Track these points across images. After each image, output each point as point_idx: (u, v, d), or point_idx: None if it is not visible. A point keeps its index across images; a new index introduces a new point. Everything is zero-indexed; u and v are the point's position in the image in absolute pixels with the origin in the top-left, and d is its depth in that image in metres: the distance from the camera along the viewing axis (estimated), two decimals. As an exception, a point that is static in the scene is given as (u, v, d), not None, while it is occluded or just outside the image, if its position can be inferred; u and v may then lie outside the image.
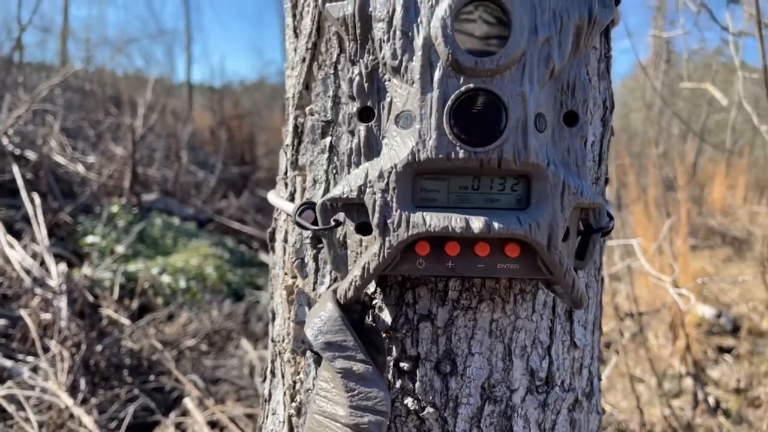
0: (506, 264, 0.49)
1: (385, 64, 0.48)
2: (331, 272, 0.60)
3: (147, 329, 3.01)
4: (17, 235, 3.42)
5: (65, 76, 5.49)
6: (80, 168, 4.96)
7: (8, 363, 2.28)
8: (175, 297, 3.57)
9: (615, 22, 0.59)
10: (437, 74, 0.45)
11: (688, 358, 2.84)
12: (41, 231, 3.17)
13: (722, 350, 3.35)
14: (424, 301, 0.57)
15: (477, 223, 0.46)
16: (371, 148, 0.49)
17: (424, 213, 0.47)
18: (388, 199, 0.47)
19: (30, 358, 2.39)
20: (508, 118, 0.45)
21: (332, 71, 0.58)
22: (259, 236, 5.31)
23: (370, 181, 0.48)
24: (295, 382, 0.64)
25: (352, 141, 0.50)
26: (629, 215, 4.25)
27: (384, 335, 0.57)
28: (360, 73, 0.49)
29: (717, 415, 2.58)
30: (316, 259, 0.61)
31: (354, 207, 0.50)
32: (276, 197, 0.65)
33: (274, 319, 0.70)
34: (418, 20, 0.46)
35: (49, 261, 2.93)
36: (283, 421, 0.66)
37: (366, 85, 0.49)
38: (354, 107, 0.50)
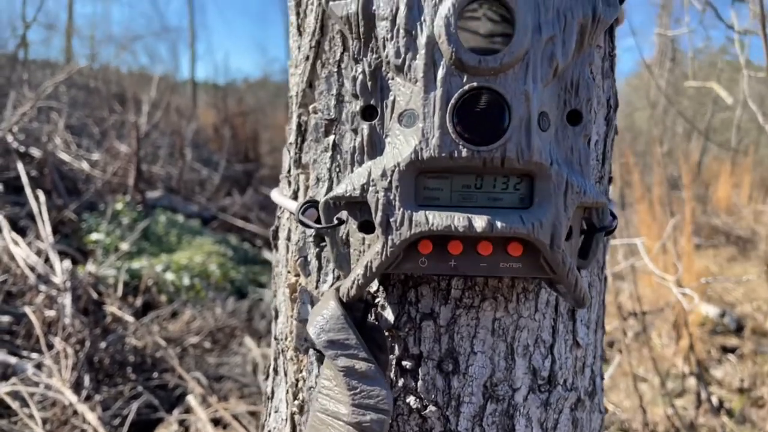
0: (509, 263, 0.49)
1: (388, 63, 0.48)
2: (333, 270, 0.61)
3: (151, 326, 3.02)
4: (22, 232, 3.44)
5: (70, 73, 5.51)
6: (85, 165, 4.97)
7: (12, 360, 2.29)
8: (179, 294, 3.58)
9: (619, 21, 0.59)
10: (440, 73, 0.45)
11: (692, 357, 2.83)
12: (46, 228, 3.18)
13: (726, 350, 3.34)
14: (427, 300, 0.57)
15: (480, 222, 0.46)
16: (374, 146, 0.49)
17: (427, 212, 0.47)
18: (391, 197, 0.47)
19: (34, 355, 2.40)
20: (511, 116, 0.45)
21: (336, 69, 0.58)
22: (262, 234, 5.32)
23: (373, 180, 0.48)
24: (297, 380, 0.64)
25: (355, 139, 0.50)
26: (633, 214, 4.24)
27: (386, 333, 0.57)
28: (363, 72, 0.49)
29: (720, 414, 2.57)
30: (319, 257, 0.61)
31: (357, 205, 0.50)
32: (279, 195, 0.65)
33: (277, 317, 0.70)
34: (422, 19, 0.46)
35: (54, 258, 2.94)
36: (286, 419, 0.66)
37: (369, 83, 0.49)
38: (357, 105, 0.50)
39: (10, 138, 4.42)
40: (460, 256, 0.49)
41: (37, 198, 3.41)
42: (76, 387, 2.20)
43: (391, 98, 0.49)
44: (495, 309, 0.57)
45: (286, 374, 0.67)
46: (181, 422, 2.30)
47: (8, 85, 5.59)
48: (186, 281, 3.69)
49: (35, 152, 4.55)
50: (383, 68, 0.49)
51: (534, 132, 0.45)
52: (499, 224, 0.46)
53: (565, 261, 0.48)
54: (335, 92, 0.58)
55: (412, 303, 0.57)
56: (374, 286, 0.58)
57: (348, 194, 0.49)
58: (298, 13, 0.63)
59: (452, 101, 0.45)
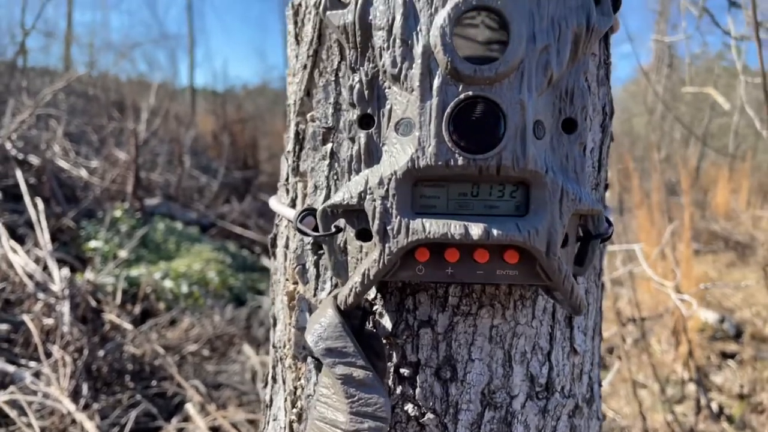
0: (505, 270, 0.49)
1: (385, 72, 0.48)
2: (331, 278, 0.61)
3: (149, 334, 3.01)
4: (20, 240, 3.43)
5: (69, 80, 5.52)
6: (83, 173, 4.98)
7: (11, 368, 2.29)
8: (178, 302, 3.57)
9: (614, 29, 0.60)
10: (436, 82, 0.45)
11: (691, 363, 2.83)
12: (44, 236, 3.18)
13: (725, 356, 3.34)
14: (425, 307, 0.57)
15: (476, 230, 0.46)
16: (371, 155, 0.50)
17: (424, 219, 0.47)
18: (388, 205, 0.47)
19: (32, 363, 2.39)
20: (506, 125, 0.45)
21: (333, 78, 0.58)
22: (261, 241, 5.32)
23: (370, 188, 0.48)
24: (296, 388, 0.64)
25: (352, 148, 0.51)
26: (632, 219, 4.25)
27: (384, 341, 0.57)
28: (360, 81, 0.50)
29: (720, 421, 2.57)
30: (317, 265, 0.61)
31: (354, 213, 0.50)
32: (277, 203, 0.66)
33: (275, 324, 0.70)
34: (418, 28, 0.46)
35: (52, 266, 2.94)
36: (284, 427, 0.66)
37: (366, 92, 0.49)
38: (354, 114, 0.50)
39: (8, 145, 4.42)
40: (456, 264, 0.49)
41: (35, 206, 3.41)
42: (75, 395, 2.20)
43: (387, 107, 0.49)
44: (492, 316, 0.57)
45: (284, 382, 0.67)
46: (180, 430, 2.29)
47: (7, 92, 5.60)
48: (184, 289, 3.68)
49: (34, 160, 4.55)
50: (380, 77, 0.49)
51: (529, 140, 0.46)
52: (495, 232, 0.46)
53: (561, 268, 0.48)
54: (333, 101, 0.58)
55: (409, 310, 0.57)
56: (372, 293, 0.58)
57: (345, 202, 0.49)
58: (295, 22, 0.63)
59: (448, 110, 0.45)
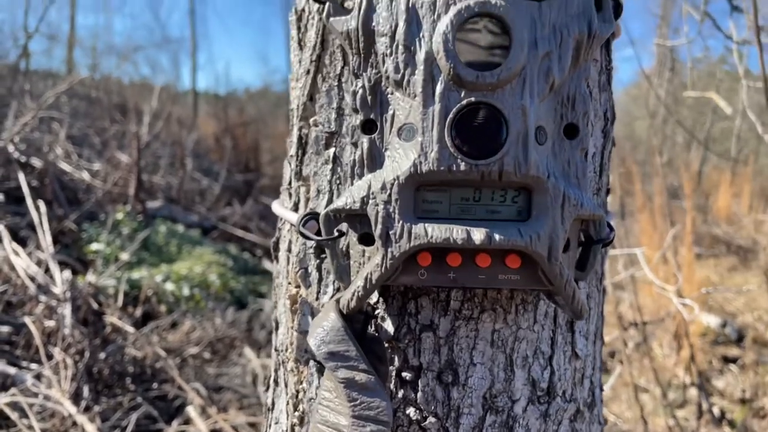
0: (507, 275, 0.50)
1: (387, 78, 0.49)
2: (334, 282, 0.61)
3: (150, 337, 3.02)
4: (22, 242, 3.44)
5: (71, 83, 5.54)
6: (85, 175, 4.99)
7: (12, 370, 2.29)
8: (179, 305, 3.58)
9: (616, 35, 0.60)
10: (439, 88, 0.46)
11: (693, 367, 2.82)
12: (46, 238, 3.19)
13: (727, 360, 3.33)
14: (426, 311, 0.57)
15: (478, 235, 0.46)
16: (374, 159, 0.50)
17: (426, 224, 0.47)
18: (391, 210, 0.48)
19: (33, 366, 2.40)
20: (508, 131, 0.45)
21: (336, 83, 0.58)
22: (262, 244, 5.33)
23: (372, 193, 0.48)
24: (298, 392, 0.64)
25: (355, 153, 0.51)
26: (634, 223, 4.25)
27: (386, 345, 0.58)
28: (363, 86, 0.50)
29: (722, 425, 2.56)
30: (319, 268, 0.62)
31: (357, 218, 0.51)
32: (280, 207, 0.66)
33: (277, 328, 0.70)
34: (420, 35, 0.47)
35: (54, 268, 2.94)
36: (286, 430, 0.66)
37: (369, 98, 0.50)
38: (357, 120, 0.50)
39: (11, 148, 4.43)
40: (459, 268, 0.49)
41: (37, 208, 3.42)
42: (76, 398, 2.20)
43: (390, 112, 0.49)
44: (494, 320, 0.57)
45: (286, 385, 0.67)
46: (181, 433, 2.29)
47: (10, 95, 5.62)
48: (186, 291, 3.69)
49: (36, 162, 4.56)
50: (383, 83, 0.50)
51: (531, 146, 0.46)
52: (497, 237, 0.46)
53: (562, 273, 0.48)
54: (335, 106, 0.59)
55: (411, 314, 0.57)
56: (374, 297, 0.58)
57: (348, 207, 0.50)
58: (299, 28, 0.64)
59: (450, 116, 0.45)
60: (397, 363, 0.58)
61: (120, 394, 2.47)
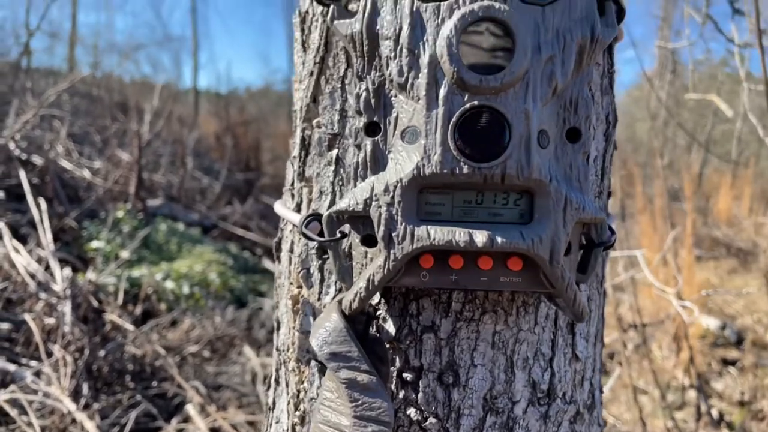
0: (509, 277, 0.50)
1: (391, 81, 0.49)
2: (336, 282, 0.61)
3: (150, 335, 3.02)
4: (23, 239, 3.44)
5: (73, 81, 5.54)
6: (86, 173, 4.99)
7: (11, 367, 2.29)
8: (179, 303, 3.58)
9: (618, 38, 0.60)
10: (442, 91, 0.46)
11: (692, 370, 2.83)
12: (47, 236, 3.19)
13: (726, 362, 3.33)
14: (428, 313, 0.57)
15: (480, 237, 0.47)
16: (377, 162, 0.50)
17: (429, 226, 0.48)
18: (394, 212, 0.48)
19: (33, 363, 2.40)
20: (511, 134, 0.46)
21: (339, 85, 0.59)
22: (263, 243, 5.33)
23: (375, 195, 0.49)
24: (299, 391, 0.65)
25: (358, 155, 0.51)
26: (634, 225, 4.25)
27: (387, 346, 0.58)
28: (367, 89, 0.50)
29: (720, 427, 2.56)
30: (321, 269, 0.62)
31: (360, 219, 0.51)
32: (282, 208, 0.66)
33: (279, 328, 0.71)
34: (425, 39, 0.47)
35: (54, 266, 2.94)
36: (287, 430, 0.67)
37: (373, 100, 0.50)
38: (361, 122, 0.51)
39: (12, 145, 4.44)
40: (460, 270, 0.50)
41: (38, 205, 3.42)
42: (75, 395, 2.20)
43: (393, 115, 0.50)
44: (495, 322, 0.58)
45: (287, 385, 0.67)
46: (180, 431, 2.29)
47: (11, 92, 5.63)
48: (186, 290, 3.69)
49: (37, 160, 4.56)
50: (386, 86, 0.50)
51: (534, 149, 0.46)
52: (499, 239, 0.47)
53: (564, 276, 0.49)
54: (339, 107, 0.59)
55: (413, 316, 0.58)
56: (376, 298, 0.59)
57: (351, 208, 0.50)
58: (302, 30, 0.64)
59: (454, 119, 0.46)
60: (398, 364, 0.58)
61: (119, 392, 2.47)
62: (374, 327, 0.59)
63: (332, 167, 0.60)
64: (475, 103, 0.45)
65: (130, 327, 2.90)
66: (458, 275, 0.50)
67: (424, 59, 0.47)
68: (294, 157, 0.66)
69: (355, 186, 0.51)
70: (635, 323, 3.30)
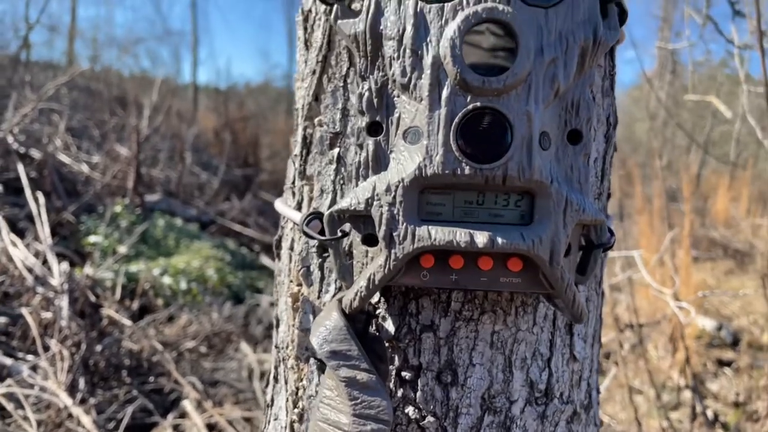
0: (509, 278, 0.50)
1: (394, 81, 0.49)
2: (336, 281, 0.61)
3: (147, 330, 3.02)
4: (20, 233, 3.44)
5: (72, 75, 5.53)
6: (84, 167, 4.98)
7: (8, 361, 2.29)
8: (176, 298, 3.58)
9: (620, 41, 0.61)
10: (445, 92, 0.46)
11: (688, 370, 2.84)
12: (44, 230, 3.19)
13: (722, 363, 3.35)
14: (427, 312, 0.58)
15: (481, 238, 0.47)
16: (379, 161, 0.50)
17: (430, 227, 0.48)
18: (395, 212, 0.48)
19: (30, 357, 2.40)
20: (513, 136, 0.46)
21: (342, 84, 0.59)
22: (260, 239, 5.32)
23: (377, 195, 0.49)
24: (298, 389, 0.65)
25: (360, 154, 0.51)
26: (632, 226, 4.26)
27: (387, 344, 0.58)
28: (370, 89, 0.50)
29: (715, 428, 2.58)
30: (321, 267, 0.62)
31: (361, 219, 0.51)
32: (283, 206, 0.66)
33: (278, 325, 0.71)
34: (428, 39, 0.47)
35: (52, 260, 2.94)
36: (285, 427, 0.67)
37: (375, 100, 0.50)
38: (363, 122, 0.51)
39: (10, 139, 4.42)
40: (461, 270, 0.50)
41: (36, 199, 3.41)
42: (72, 389, 2.20)
43: (396, 115, 0.50)
44: (494, 322, 0.58)
45: (286, 382, 0.67)
46: (176, 427, 2.29)
47: (10, 86, 5.61)
48: (183, 285, 3.69)
49: (35, 154, 4.55)
50: (389, 86, 0.50)
51: (535, 151, 0.46)
52: (500, 240, 0.47)
53: (563, 277, 0.49)
54: (341, 106, 0.59)
55: (412, 315, 0.58)
56: (375, 297, 0.59)
57: (352, 208, 0.50)
58: (305, 28, 0.64)
59: (456, 120, 0.46)
60: (397, 362, 0.59)
61: (116, 387, 2.47)
62: (374, 326, 0.59)
63: (333, 166, 0.60)
64: (478, 104, 0.46)
65: (127, 322, 2.90)
66: (458, 275, 0.50)
67: (428, 60, 0.47)
68: (295, 155, 0.66)
69: (356, 185, 0.51)
70: (632, 323, 3.31)
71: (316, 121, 0.61)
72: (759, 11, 1.70)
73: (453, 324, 0.58)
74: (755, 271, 4.91)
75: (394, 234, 0.48)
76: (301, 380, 0.64)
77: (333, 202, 0.60)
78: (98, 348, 2.53)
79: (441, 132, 0.46)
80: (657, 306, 3.68)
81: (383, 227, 0.48)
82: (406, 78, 0.48)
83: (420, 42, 0.47)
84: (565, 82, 0.48)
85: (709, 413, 2.67)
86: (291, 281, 0.66)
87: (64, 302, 2.59)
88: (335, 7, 0.52)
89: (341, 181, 0.60)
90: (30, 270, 2.85)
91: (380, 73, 0.50)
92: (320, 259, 0.62)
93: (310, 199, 0.63)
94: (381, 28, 0.49)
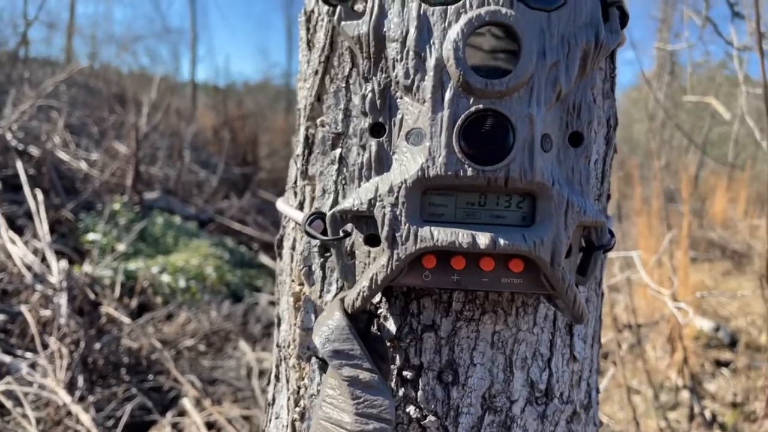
0: (510, 278, 0.51)
1: (397, 83, 0.49)
2: (337, 280, 0.62)
3: (146, 328, 3.02)
4: (19, 230, 3.44)
5: (70, 72, 5.52)
6: (83, 165, 4.98)
7: (7, 359, 2.29)
8: (175, 296, 3.58)
9: (621, 44, 0.61)
10: (448, 94, 0.46)
11: (686, 370, 2.85)
12: (43, 227, 3.18)
13: (719, 364, 3.36)
14: (429, 312, 0.58)
15: (483, 239, 0.47)
16: (382, 162, 0.51)
17: (432, 227, 0.48)
18: (398, 213, 0.48)
19: (29, 355, 2.40)
20: (515, 138, 0.46)
21: (344, 85, 0.59)
22: (259, 237, 5.33)
23: (380, 195, 0.49)
24: (299, 388, 0.65)
25: (363, 155, 0.52)
26: (631, 226, 4.27)
27: (388, 344, 0.59)
28: (373, 90, 0.51)
29: (713, 428, 2.58)
30: (323, 267, 0.62)
31: (363, 219, 0.51)
32: (285, 205, 0.67)
33: (279, 324, 0.71)
34: (431, 42, 0.47)
35: (50, 257, 2.94)
36: (287, 426, 0.67)
37: (378, 101, 0.50)
38: (366, 123, 0.51)
39: (9, 136, 4.42)
40: (462, 271, 0.50)
41: (35, 197, 3.41)
42: (70, 387, 2.20)
43: (399, 116, 0.50)
44: (495, 322, 0.58)
45: (287, 381, 0.68)
46: (175, 425, 2.30)
47: (8, 82, 5.60)
48: (182, 283, 3.69)
49: (34, 151, 4.55)
50: (392, 87, 0.50)
51: (537, 153, 0.47)
52: (502, 241, 0.47)
53: (564, 278, 0.49)
54: (343, 107, 0.59)
55: (413, 315, 0.58)
56: (377, 297, 0.59)
57: (355, 208, 0.50)
58: (308, 29, 0.64)
59: (459, 122, 0.46)
60: (398, 362, 0.59)
61: (115, 385, 2.47)
62: (375, 325, 0.59)
63: (335, 166, 0.60)
64: (480, 106, 0.46)
65: (125, 320, 2.90)
66: (460, 276, 0.50)
67: (431, 62, 0.47)
68: (297, 155, 0.66)
69: (358, 185, 0.52)
70: (630, 324, 3.32)
71: (318, 121, 0.62)
72: (758, 13, 1.71)
73: (454, 324, 0.58)
74: (753, 272, 4.92)
75: (397, 234, 0.48)
76: (303, 379, 0.65)
77: (335, 202, 0.60)
78: (97, 346, 2.53)
79: (444, 134, 0.46)
80: (655, 306, 3.69)
81: (386, 228, 0.49)
82: (409, 80, 0.48)
83: (423, 44, 0.48)
84: (566, 85, 0.48)
85: (707, 414, 2.68)
86: (293, 281, 0.66)
87: (63, 300, 2.59)
88: (338, 8, 0.52)
89: (343, 182, 0.60)
90: (29, 267, 2.85)
91: (383, 75, 0.50)
92: (322, 259, 0.63)
93: (312, 199, 0.63)
94: (384, 30, 0.49)
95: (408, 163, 0.49)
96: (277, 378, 0.72)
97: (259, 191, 6.77)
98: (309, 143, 0.63)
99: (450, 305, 0.58)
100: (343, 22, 0.52)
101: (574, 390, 0.65)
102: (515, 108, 0.46)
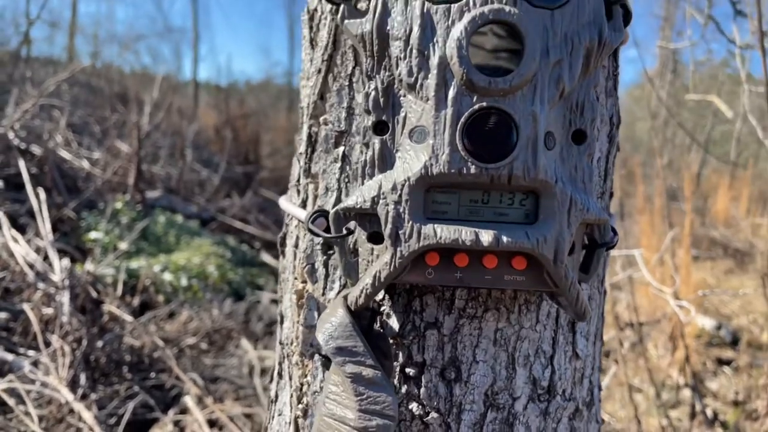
0: (513, 276, 0.51)
1: (400, 81, 0.49)
2: (340, 278, 0.62)
3: (148, 326, 3.03)
4: (22, 229, 3.44)
5: (72, 71, 5.53)
6: (85, 164, 4.98)
7: (9, 357, 2.30)
8: (177, 295, 3.59)
9: (624, 42, 0.61)
10: (451, 92, 0.47)
11: (687, 369, 2.85)
12: (45, 226, 3.19)
13: (721, 362, 3.36)
14: (431, 309, 0.58)
15: (486, 237, 0.47)
16: (385, 160, 0.51)
17: (435, 225, 0.48)
18: (401, 210, 0.49)
19: (31, 353, 2.41)
20: (518, 136, 0.46)
21: (347, 83, 0.59)
22: (261, 236, 5.33)
23: (383, 193, 0.49)
24: (302, 385, 0.65)
25: (366, 153, 0.52)
26: (633, 225, 4.26)
27: (391, 341, 0.59)
28: (376, 89, 0.51)
29: (714, 426, 2.58)
30: (326, 265, 0.63)
31: (367, 217, 0.52)
32: (288, 203, 0.67)
33: (282, 322, 0.71)
34: (435, 40, 0.48)
35: (53, 256, 2.95)
36: (290, 422, 0.67)
37: (382, 100, 0.51)
38: (369, 121, 0.51)
39: (11, 135, 4.43)
40: (465, 269, 0.50)
41: (37, 195, 3.42)
42: (73, 385, 2.21)
43: (402, 114, 0.50)
44: (497, 319, 0.58)
45: (290, 378, 0.68)
46: (177, 423, 2.30)
47: (11, 82, 5.61)
48: (184, 282, 3.70)
49: (36, 150, 4.55)
50: (395, 85, 0.50)
51: (540, 151, 0.47)
52: (505, 239, 0.47)
53: (567, 275, 0.50)
54: (346, 105, 0.59)
55: (416, 312, 0.58)
56: (380, 294, 0.59)
57: (359, 206, 0.51)
58: (310, 27, 0.64)
59: (462, 120, 0.46)
60: (401, 359, 0.59)
61: (117, 383, 2.48)
62: (378, 322, 0.60)
63: (338, 164, 0.60)
64: (484, 104, 0.46)
65: (128, 318, 2.90)
66: (463, 273, 0.51)
67: (434, 60, 0.47)
68: (300, 153, 0.66)
69: (361, 183, 0.52)
70: (632, 322, 3.32)
71: (321, 119, 0.62)
72: (760, 11, 1.71)
73: (457, 321, 0.58)
74: (755, 271, 4.91)
75: (400, 232, 0.49)
76: (306, 376, 0.65)
77: (338, 200, 0.60)
78: (99, 344, 2.53)
79: (447, 131, 0.47)
80: (657, 305, 3.69)
81: (389, 225, 0.49)
82: (413, 78, 0.48)
83: (427, 42, 0.48)
84: (570, 83, 0.48)
85: (709, 412, 2.68)
86: (296, 278, 0.66)
87: (65, 298, 2.59)
88: (342, 6, 0.52)
89: (346, 180, 0.60)
90: (31, 266, 2.86)
91: (386, 73, 0.50)
92: (325, 257, 0.63)
93: (315, 197, 0.63)
94: (388, 28, 0.50)
95: (411, 160, 0.49)
96: (280, 375, 0.72)
97: (261, 190, 6.77)
98: (312, 141, 0.63)
99: (453, 302, 0.58)
100: (346, 21, 0.52)
101: (577, 387, 0.65)
102: (518, 106, 0.46)
